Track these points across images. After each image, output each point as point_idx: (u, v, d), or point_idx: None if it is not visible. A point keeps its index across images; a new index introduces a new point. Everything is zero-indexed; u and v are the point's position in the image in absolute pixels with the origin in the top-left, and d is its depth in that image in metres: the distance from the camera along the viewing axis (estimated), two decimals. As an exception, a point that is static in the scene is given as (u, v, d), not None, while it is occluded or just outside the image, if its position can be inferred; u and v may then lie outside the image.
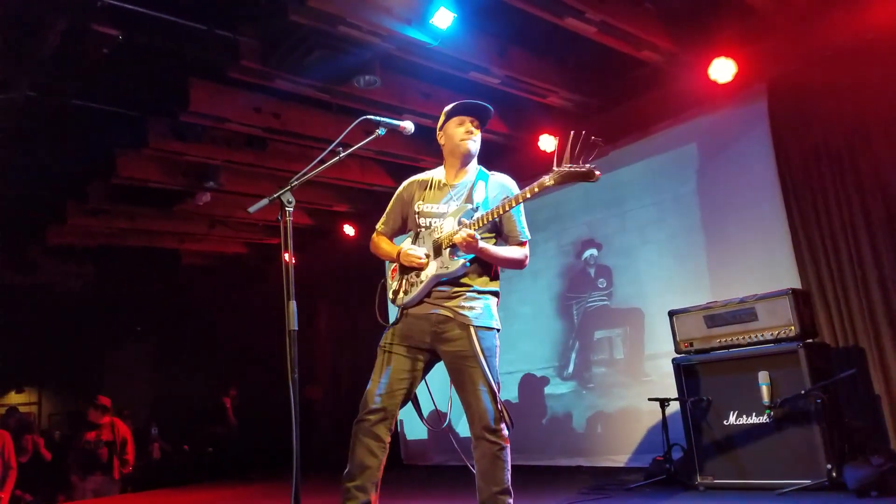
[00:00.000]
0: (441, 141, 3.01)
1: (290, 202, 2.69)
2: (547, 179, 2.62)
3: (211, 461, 9.23)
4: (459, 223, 2.79)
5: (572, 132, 2.59)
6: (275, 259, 9.51)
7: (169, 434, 9.66)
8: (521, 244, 2.91)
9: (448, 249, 2.79)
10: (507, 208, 2.71)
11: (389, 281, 3.02)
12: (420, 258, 2.83)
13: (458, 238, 2.69)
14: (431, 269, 2.82)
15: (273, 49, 4.72)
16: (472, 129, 2.92)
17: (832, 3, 4.61)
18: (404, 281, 2.91)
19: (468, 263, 2.79)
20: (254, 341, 10.53)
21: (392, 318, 2.95)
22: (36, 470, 7.61)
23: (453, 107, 2.94)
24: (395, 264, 2.99)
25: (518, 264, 2.91)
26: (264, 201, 2.71)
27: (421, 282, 2.83)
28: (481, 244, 2.73)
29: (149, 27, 4.52)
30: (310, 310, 9.66)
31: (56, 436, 10.09)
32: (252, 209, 2.73)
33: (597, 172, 2.58)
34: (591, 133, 2.60)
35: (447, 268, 2.78)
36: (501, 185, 2.98)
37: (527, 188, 2.67)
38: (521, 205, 2.83)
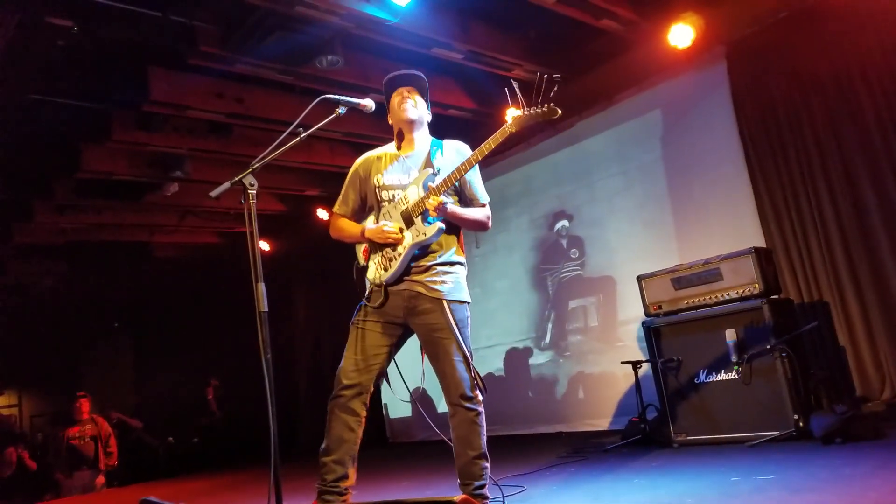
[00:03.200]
0: (390, 121, 3.07)
1: (252, 184, 2.71)
2: (508, 126, 2.73)
3: (197, 452, 9.25)
4: (426, 188, 2.82)
5: (538, 74, 2.68)
6: (248, 247, 9.43)
7: (154, 428, 9.65)
8: (482, 206, 2.99)
9: (419, 217, 2.82)
10: (473, 163, 2.77)
11: (361, 260, 3.01)
12: (396, 233, 2.82)
13: (429, 203, 2.73)
14: (408, 239, 2.83)
15: (231, 32, 4.67)
16: (407, 95, 2.96)
17: (785, -36, 4.68)
18: (381, 257, 2.89)
19: (444, 227, 2.83)
20: (232, 330, 10.51)
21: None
22: (21, 480, 7.57)
23: (384, 85, 3.01)
24: (363, 244, 2.99)
25: (482, 225, 2.98)
26: (225, 185, 2.71)
27: (399, 255, 2.83)
28: (450, 207, 2.79)
29: (103, 17, 4.45)
30: (287, 296, 9.66)
31: (39, 437, 10.04)
32: (214, 194, 2.72)
33: (558, 110, 2.69)
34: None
35: (425, 234, 2.81)
36: (456, 149, 3.02)
37: (489, 139, 2.75)
38: (478, 170, 2.94)
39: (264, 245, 8.90)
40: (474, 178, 2.96)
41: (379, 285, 2.88)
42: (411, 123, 2.97)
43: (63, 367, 12.86)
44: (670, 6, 5.07)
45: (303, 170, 7.43)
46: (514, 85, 2.78)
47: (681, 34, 5.02)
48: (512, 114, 2.76)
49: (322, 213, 8.21)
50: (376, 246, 2.92)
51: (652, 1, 5.13)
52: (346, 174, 3.14)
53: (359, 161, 3.08)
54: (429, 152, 2.96)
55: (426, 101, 3.03)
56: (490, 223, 3.01)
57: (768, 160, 4.99)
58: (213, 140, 6.41)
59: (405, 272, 2.84)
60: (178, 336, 11.88)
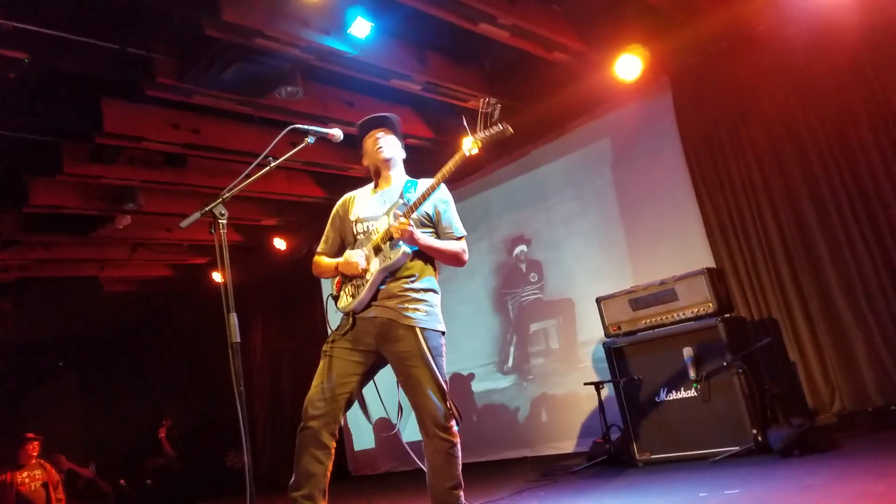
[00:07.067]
0: (365, 163, 3.15)
1: (222, 214, 2.70)
2: (466, 151, 2.82)
3: (151, 494, 8.92)
4: (393, 217, 2.87)
5: (482, 100, 2.81)
6: (202, 279, 9.29)
7: (104, 470, 9.27)
8: (458, 239, 2.99)
9: (388, 243, 2.85)
10: (434, 186, 2.83)
11: (334, 291, 3.03)
12: (359, 262, 2.86)
13: (394, 228, 2.77)
14: (375, 265, 2.86)
15: (190, 64, 4.65)
16: (380, 136, 3.07)
17: (725, 0, 4.94)
18: (351, 286, 2.92)
19: (409, 251, 2.85)
20: (186, 365, 10.24)
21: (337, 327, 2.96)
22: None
23: (358, 128, 3.13)
24: (337, 277, 3.01)
25: (456, 258, 2.96)
26: (196, 215, 2.69)
27: (367, 281, 2.86)
28: (417, 233, 2.81)
29: (57, 49, 4.37)
30: (244, 327, 9.47)
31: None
32: (184, 224, 2.69)
33: (510, 127, 2.81)
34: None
35: (390, 258, 2.83)
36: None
37: (449, 162, 2.83)
38: (452, 201, 3.01)
39: (217, 276, 8.75)
40: (447, 209, 3.00)
41: (347, 313, 2.90)
42: (387, 162, 3.06)
43: (6, 409, 12.27)
44: (618, 38, 5.27)
45: (260, 199, 7.36)
46: (466, 116, 2.89)
47: (628, 65, 5.22)
48: (468, 141, 2.86)
49: (279, 243, 8.12)
50: (347, 277, 2.95)
51: (600, 33, 5.35)
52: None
53: (339, 201, 3.16)
54: (402, 188, 3.01)
55: (398, 137, 3.12)
56: (466, 257, 2.98)
57: (714, 183, 5.20)
58: (167, 171, 6.31)
59: (373, 298, 2.86)
60: (129, 373, 11.49)
